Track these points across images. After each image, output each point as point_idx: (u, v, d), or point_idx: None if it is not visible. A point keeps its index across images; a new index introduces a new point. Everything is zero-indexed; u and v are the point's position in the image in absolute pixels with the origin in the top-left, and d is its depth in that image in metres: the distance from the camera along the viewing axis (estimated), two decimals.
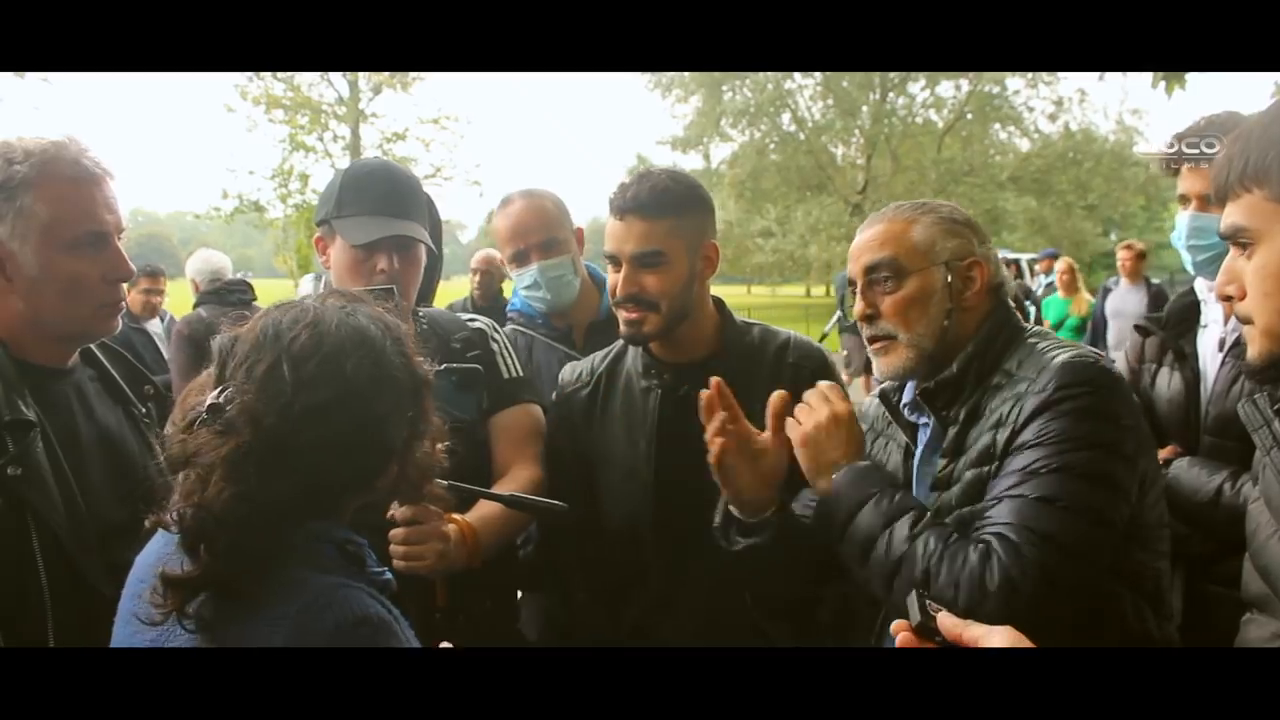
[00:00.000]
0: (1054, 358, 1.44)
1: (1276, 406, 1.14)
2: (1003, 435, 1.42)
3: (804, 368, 1.94)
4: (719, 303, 2.01)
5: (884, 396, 1.66)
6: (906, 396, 1.61)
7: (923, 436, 1.59)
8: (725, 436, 1.54)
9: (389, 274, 1.89)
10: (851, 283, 1.59)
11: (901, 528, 1.42)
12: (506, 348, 2.07)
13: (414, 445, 1.20)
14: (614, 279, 1.88)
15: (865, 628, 1.95)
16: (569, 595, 2.11)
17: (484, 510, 1.74)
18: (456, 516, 1.70)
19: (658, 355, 1.95)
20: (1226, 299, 1.17)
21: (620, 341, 2.06)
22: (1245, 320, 1.15)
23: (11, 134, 1.53)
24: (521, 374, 2.07)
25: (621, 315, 1.87)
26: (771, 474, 1.57)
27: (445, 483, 1.61)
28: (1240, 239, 1.12)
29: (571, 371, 2.08)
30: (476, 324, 2.08)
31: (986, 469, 1.44)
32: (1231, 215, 1.12)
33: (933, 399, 1.54)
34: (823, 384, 1.60)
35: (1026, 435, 1.40)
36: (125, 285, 1.62)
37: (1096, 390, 1.40)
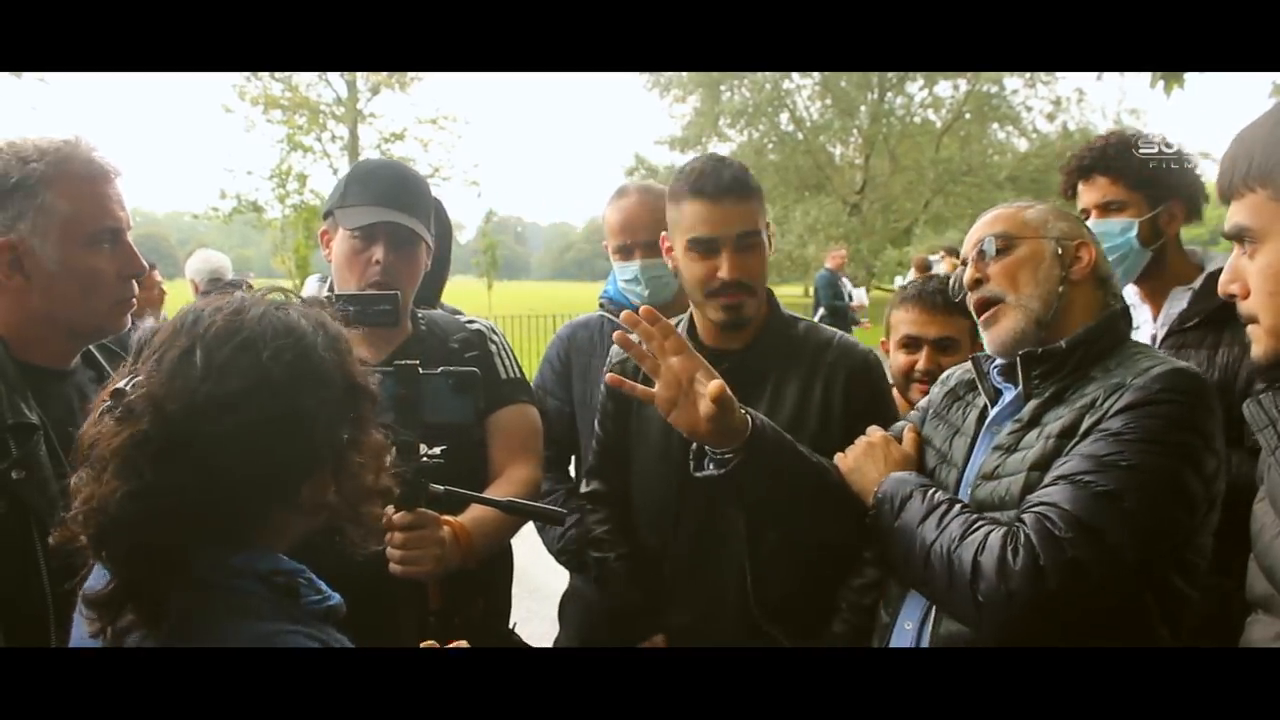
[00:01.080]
0: (1164, 361, 1.43)
1: None
2: (1090, 418, 1.40)
3: (840, 366, 1.91)
4: (768, 292, 1.99)
5: (975, 361, 1.67)
6: (998, 360, 1.61)
7: (1002, 402, 1.59)
8: (660, 379, 1.52)
9: (384, 265, 1.89)
10: (964, 261, 1.61)
11: (932, 519, 1.44)
12: (504, 349, 2.08)
13: (348, 457, 1.08)
14: (707, 266, 1.82)
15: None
16: (603, 574, 2.09)
17: (477, 512, 1.75)
18: (450, 519, 1.70)
19: (704, 340, 1.93)
20: (1230, 297, 1.18)
21: (673, 323, 2.05)
22: (1250, 319, 1.15)
23: (9, 135, 1.53)
24: (519, 375, 2.08)
25: (721, 301, 1.83)
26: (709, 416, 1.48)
27: (443, 488, 1.63)
28: (1244, 239, 1.13)
29: None
30: (475, 325, 2.10)
31: (1063, 443, 1.41)
32: (1236, 215, 1.13)
33: (1030, 366, 1.52)
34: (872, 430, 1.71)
35: (1113, 424, 1.37)
36: (135, 282, 1.62)
37: (1199, 403, 1.37)
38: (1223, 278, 1.18)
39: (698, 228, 1.81)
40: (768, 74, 29.06)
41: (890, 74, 29.26)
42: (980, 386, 1.65)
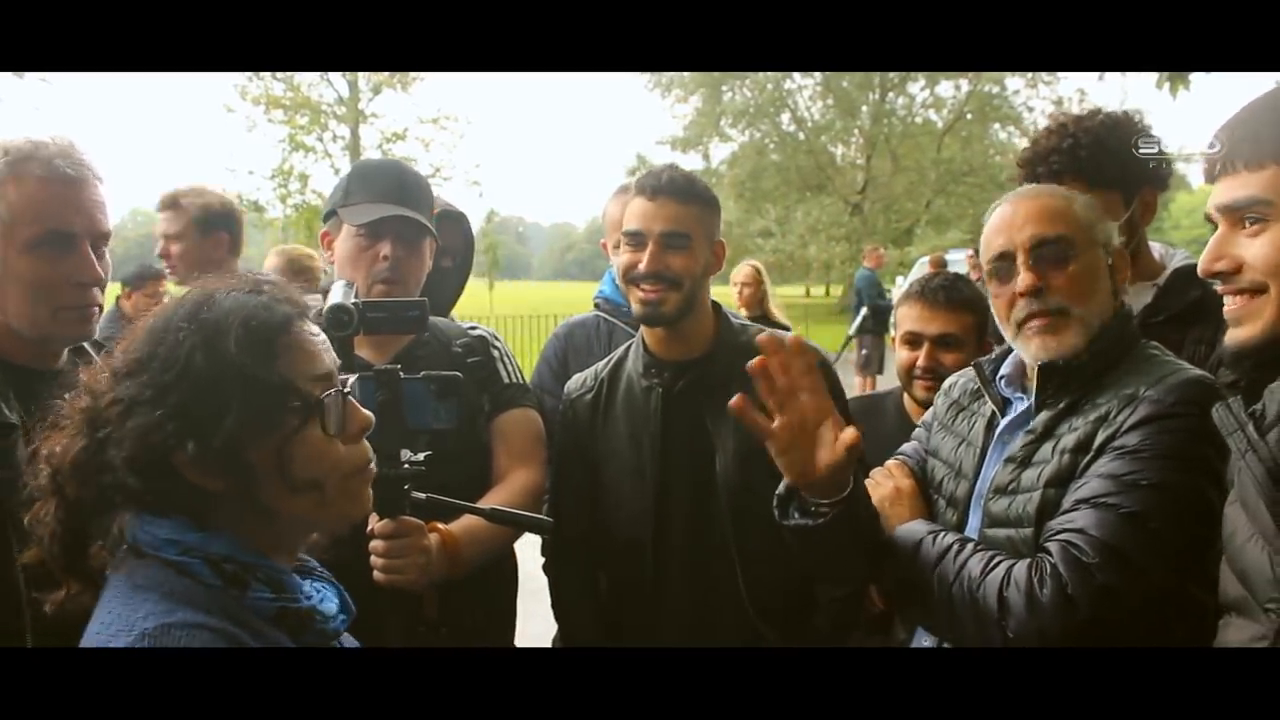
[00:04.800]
0: (1178, 370, 1.41)
1: (1250, 410, 1.12)
2: (1105, 432, 1.37)
3: None
4: (715, 304, 2.02)
5: (978, 367, 1.64)
6: (1004, 370, 1.59)
7: (1012, 412, 1.56)
8: (785, 415, 1.39)
9: (392, 260, 1.89)
10: (1005, 255, 1.51)
11: (946, 561, 1.41)
12: (506, 354, 2.09)
13: (229, 434, 0.99)
14: (632, 257, 1.87)
15: (861, 637, 1.96)
16: (574, 599, 2.11)
17: (469, 520, 1.72)
18: (440, 526, 1.68)
19: (657, 354, 1.95)
20: (1215, 276, 1.15)
21: (621, 349, 2.07)
22: (1256, 290, 1.12)
23: (9, 135, 1.52)
24: (521, 380, 2.08)
25: (640, 293, 1.86)
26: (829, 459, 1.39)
27: (424, 496, 1.59)
28: (1253, 212, 1.11)
29: (577, 380, 2.09)
30: (478, 331, 2.10)
31: (1078, 458, 1.38)
32: (1248, 187, 1.10)
33: (1049, 378, 1.48)
34: (890, 462, 1.72)
35: (1129, 440, 1.34)
36: (96, 289, 1.56)
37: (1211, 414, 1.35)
38: (1206, 256, 1.15)
39: (631, 221, 1.88)
40: (769, 74, 29.09)
41: (892, 74, 29.27)
42: (986, 394, 1.61)
